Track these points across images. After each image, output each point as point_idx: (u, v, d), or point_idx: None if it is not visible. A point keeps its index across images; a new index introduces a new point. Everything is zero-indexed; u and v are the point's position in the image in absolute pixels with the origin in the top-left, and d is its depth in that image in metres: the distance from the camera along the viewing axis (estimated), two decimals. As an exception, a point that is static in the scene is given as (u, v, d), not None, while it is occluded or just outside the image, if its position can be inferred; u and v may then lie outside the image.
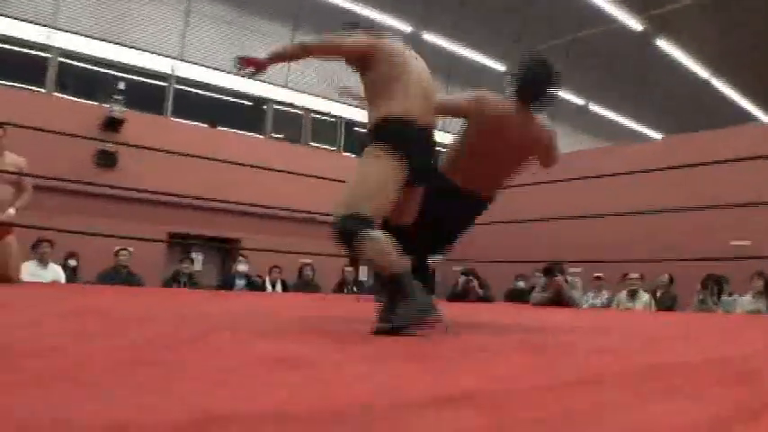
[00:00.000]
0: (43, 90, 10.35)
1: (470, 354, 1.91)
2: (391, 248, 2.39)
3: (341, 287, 9.21)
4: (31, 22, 10.07)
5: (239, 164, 6.57)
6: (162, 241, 9.25)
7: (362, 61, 2.75)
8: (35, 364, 1.24)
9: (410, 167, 2.56)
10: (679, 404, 1.16)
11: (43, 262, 6.63)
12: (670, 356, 2.13)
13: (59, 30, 10.41)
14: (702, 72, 16.34)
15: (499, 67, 14.50)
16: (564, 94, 16.47)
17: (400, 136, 2.58)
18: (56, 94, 10.45)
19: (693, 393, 1.32)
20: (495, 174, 3.22)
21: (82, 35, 10.69)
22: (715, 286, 7.06)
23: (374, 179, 2.53)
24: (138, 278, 7.53)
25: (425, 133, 2.67)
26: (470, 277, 7.96)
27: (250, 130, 12.61)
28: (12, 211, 5.12)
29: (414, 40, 13.42)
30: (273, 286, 8.64)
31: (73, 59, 10.79)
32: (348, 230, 2.42)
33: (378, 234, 2.42)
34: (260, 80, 12.52)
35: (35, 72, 10.31)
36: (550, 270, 6.81)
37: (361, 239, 2.38)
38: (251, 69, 2.83)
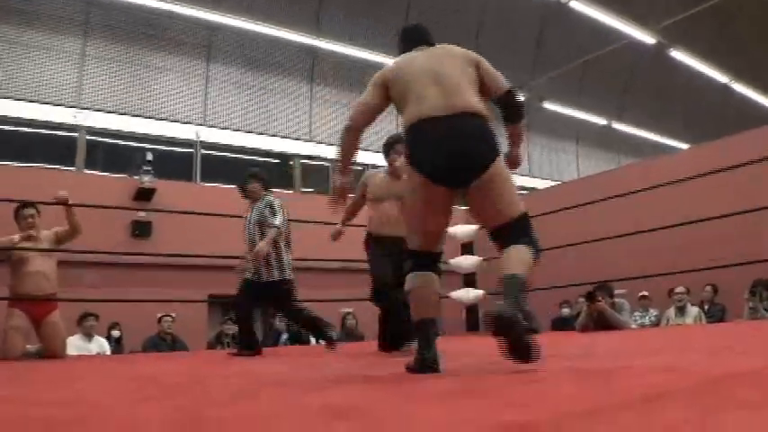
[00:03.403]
0: (73, 168, 10.64)
1: (521, 386, 1.88)
2: (425, 294, 2.53)
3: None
4: (57, 105, 10.42)
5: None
6: (203, 301, 9.33)
7: (388, 97, 2.72)
8: (98, 429, 1.25)
9: (433, 172, 2.45)
10: (749, 415, 1.13)
11: (88, 335, 6.71)
12: (729, 368, 2.07)
13: (84, 109, 10.75)
14: (721, 77, 16.21)
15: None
16: (585, 116, 16.46)
17: (411, 145, 2.55)
18: (86, 171, 10.73)
19: (763, 403, 1.28)
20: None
21: (106, 112, 11.01)
22: (765, 291, 6.85)
23: (409, 203, 2.61)
24: (182, 343, 7.58)
25: (442, 125, 2.47)
26: (514, 310, 7.84)
27: (279, 187, 12.76)
28: (64, 193, 5.31)
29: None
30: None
31: (100, 136, 11.10)
32: (404, 272, 2.62)
33: (417, 277, 2.55)
34: (284, 136, 12.74)
35: (65, 151, 10.61)
36: (592, 294, 6.68)
37: (407, 281, 2.58)
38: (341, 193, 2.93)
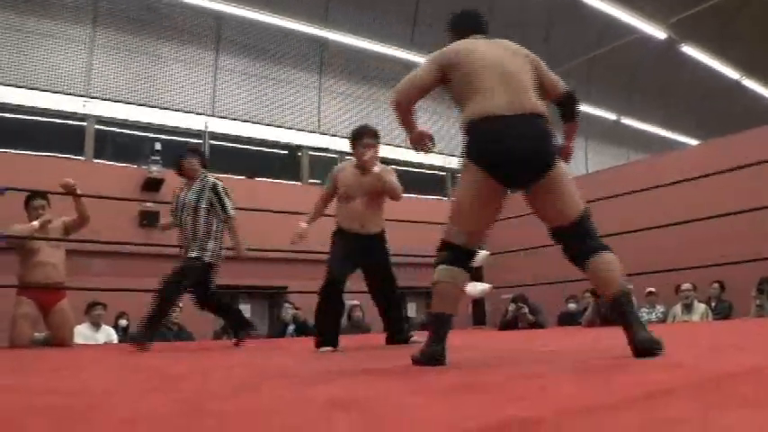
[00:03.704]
0: (82, 158, 10.67)
1: (522, 381, 1.87)
2: (449, 289, 2.53)
3: (390, 325, 9.16)
4: (66, 94, 10.44)
5: (278, 212, 6.65)
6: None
7: (443, 80, 2.70)
8: (97, 421, 1.26)
9: (496, 170, 2.46)
10: (752, 413, 1.12)
11: (96, 324, 6.75)
12: (733, 366, 2.06)
13: (93, 98, 10.77)
14: (732, 73, 16.09)
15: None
16: (594, 111, 16.37)
17: (475, 140, 2.53)
18: (95, 160, 10.76)
19: (766, 401, 1.28)
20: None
21: (115, 101, 11.03)
22: (771, 288, 6.83)
23: (458, 196, 2.59)
24: (188, 333, 7.61)
25: (511, 123, 2.47)
26: (520, 304, 7.85)
27: (287, 179, 12.76)
28: (69, 180, 5.32)
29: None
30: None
31: (108, 125, 11.12)
32: (435, 261, 2.58)
33: (447, 271, 2.53)
34: (292, 128, 12.74)
35: (73, 141, 10.64)
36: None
37: (436, 272, 2.56)
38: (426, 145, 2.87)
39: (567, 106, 2.81)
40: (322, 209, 4.58)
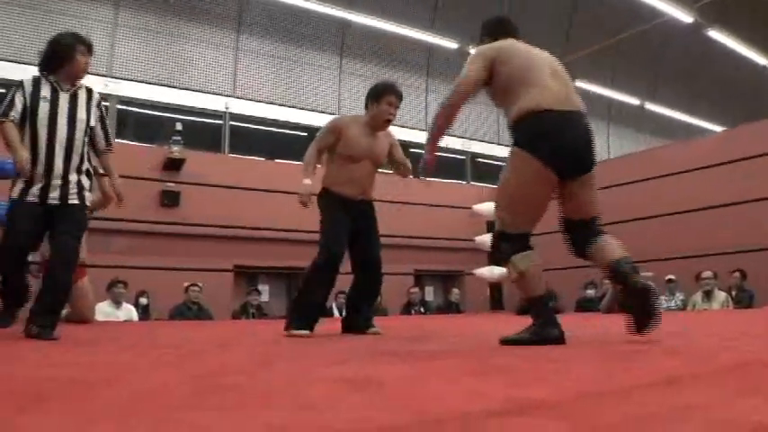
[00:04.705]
0: (105, 137, 10.75)
1: (540, 364, 1.87)
2: (538, 271, 2.65)
3: (407, 309, 9.20)
4: (88, 73, 10.48)
5: (297, 193, 6.65)
6: (230, 271, 9.44)
7: (492, 74, 2.78)
8: (113, 393, 1.27)
9: (554, 161, 2.58)
10: (766, 401, 1.11)
11: (117, 302, 6.83)
12: (751, 354, 2.04)
13: (115, 78, 10.84)
14: (759, 59, 15.77)
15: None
16: (618, 95, 16.18)
17: (534, 131, 2.61)
18: (116, 140, 10.84)
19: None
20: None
21: (137, 81, 11.09)
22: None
23: (514, 186, 2.68)
24: (208, 312, 7.69)
25: (567, 117, 2.64)
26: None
27: (306, 160, 12.74)
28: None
29: (461, 56, 13.44)
30: (340, 311, 8.69)
31: (130, 105, 11.19)
32: (499, 255, 2.72)
33: (526, 258, 2.64)
34: (312, 109, 12.73)
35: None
36: (618, 276, 6.62)
37: (510, 265, 2.66)
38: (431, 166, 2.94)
39: None
40: (317, 162, 3.94)
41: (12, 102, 3.36)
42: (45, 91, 3.43)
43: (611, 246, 2.64)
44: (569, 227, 2.76)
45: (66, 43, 3.52)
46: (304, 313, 3.62)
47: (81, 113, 3.51)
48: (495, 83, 2.76)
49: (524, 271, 2.63)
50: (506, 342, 2.56)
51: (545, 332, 2.53)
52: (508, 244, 2.68)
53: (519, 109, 2.62)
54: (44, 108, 3.39)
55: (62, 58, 3.48)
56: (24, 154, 3.26)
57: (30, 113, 3.37)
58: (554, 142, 2.57)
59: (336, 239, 3.69)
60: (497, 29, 3.01)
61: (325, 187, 3.86)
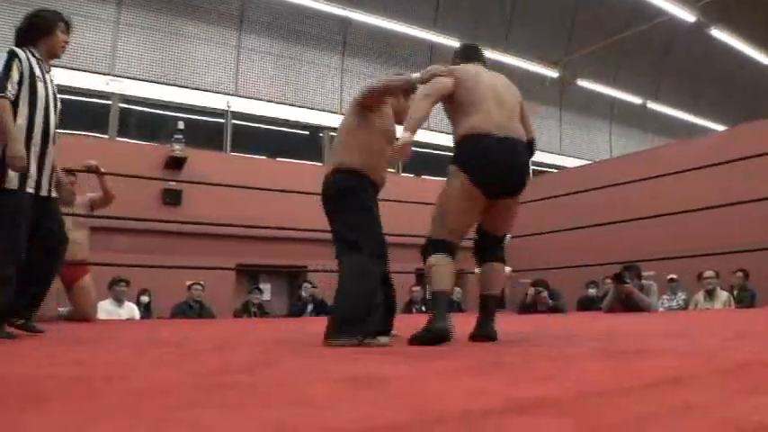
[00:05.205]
0: (106, 136, 10.76)
1: (541, 363, 1.87)
2: (443, 272, 2.80)
3: (409, 307, 9.20)
4: (90, 72, 10.52)
5: (299, 192, 6.66)
6: (231, 270, 9.45)
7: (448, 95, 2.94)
8: (114, 392, 1.27)
9: (483, 183, 2.76)
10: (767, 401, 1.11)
11: (119, 300, 6.83)
12: (752, 354, 2.04)
13: (117, 77, 10.85)
14: (762, 57, 15.73)
15: (551, 74, 14.33)
16: (620, 94, 16.15)
17: (469, 152, 2.81)
18: (118, 138, 10.86)
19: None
20: None
21: (139, 80, 11.10)
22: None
23: (447, 200, 2.86)
24: (210, 311, 7.69)
25: (502, 143, 2.78)
26: (539, 288, 7.82)
27: (308, 159, 12.76)
28: (93, 162, 5.20)
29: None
30: None
31: (132, 104, 11.20)
32: (422, 255, 2.88)
33: (438, 257, 2.81)
34: (314, 108, 12.73)
35: (97, 119, 10.73)
36: (619, 276, 6.62)
37: (427, 263, 2.84)
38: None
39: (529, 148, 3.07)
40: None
41: (9, 74, 3.00)
42: (38, 69, 3.14)
43: (492, 278, 3.01)
44: (480, 234, 3.03)
45: (46, 16, 3.31)
46: (364, 317, 2.81)
47: (57, 98, 3.29)
48: (450, 102, 2.94)
49: (429, 266, 2.82)
50: (414, 341, 2.66)
51: (434, 327, 2.65)
52: (431, 247, 2.85)
53: (462, 129, 2.84)
54: (41, 90, 3.13)
55: (42, 31, 3.24)
56: (21, 149, 2.95)
57: (29, 93, 3.06)
58: (484, 165, 2.76)
59: (377, 230, 3.01)
60: (466, 53, 3.24)
61: (361, 167, 3.00)
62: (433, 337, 2.61)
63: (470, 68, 3.01)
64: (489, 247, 3.02)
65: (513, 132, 2.83)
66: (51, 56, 3.29)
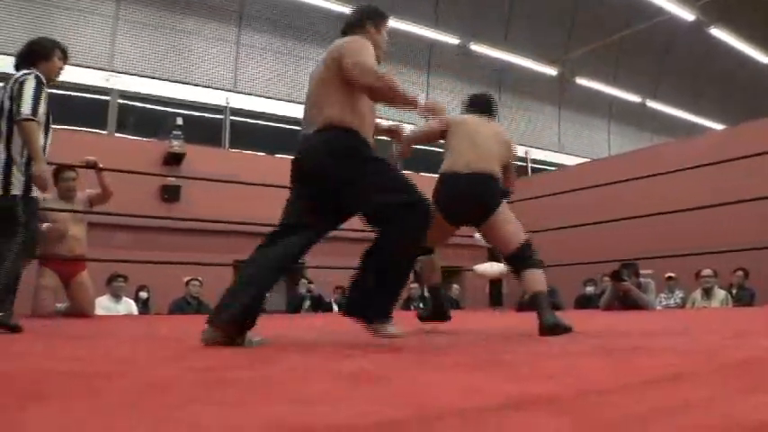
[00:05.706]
0: (105, 132, 10.75)
1: (540, 360, 1.87)
2: (430, 268, 3.75)
3: (407, 304, 9.21)
4: (89, 68, 10.50)
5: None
6: (230, 266, 9.44)
7: (443, 137, 3.52)
8: (112, 388, 1.27)
9: (444, 212, 3.30)
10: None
11: (117, 296, 6.82)
12: (752, 352, 2.04)
13: (117, 72, 10.83)
14: (762, 58, 15.73)
15: (550, 72, 14.30)
16: (619, 93, 16.15)
17: (439, 185, 3.37)
18: (117, 134, 10.84)
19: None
20: None
21: (138, 76, 11.09)
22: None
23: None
24: (208, 307, 7.68)
25: (465, 179, 3.27)
26: (537, 286, 7.80)
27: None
28: (92, 158, 5.28)
29: (462, 52, 13.41)
30: (339, 306, 8.71)
31: (131, 100, 11.18)
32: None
33: (423, 259, 3.59)
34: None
35: (96, 115, 10.72)
36: (617, 274, 6.62)
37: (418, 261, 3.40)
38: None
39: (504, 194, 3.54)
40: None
41: (39, 99, 3.30)
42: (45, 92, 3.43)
43: (524, 284, 3.27)
44: (505, 260, 3.49)
45: (45, 44, 3.60)
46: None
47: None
48: (446, 142, 3.50)
49: (422, 263, 3.63)
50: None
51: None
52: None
53: (442, 166, 3.42)
54: (47, 111, 3.43)
55: (41, 56, 3.52)
56: (47, 169, 3.34)
57: (46, 117, 3.40)
58: (444, 199, 3.30)
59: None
60: (471, 101, 3.71)
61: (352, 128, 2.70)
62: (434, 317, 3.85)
63: (460, 117, 3.57)
64: (512, 262, 3.34)
65: (479, 169, 3.27)
66: (47, 80, 3.51)
